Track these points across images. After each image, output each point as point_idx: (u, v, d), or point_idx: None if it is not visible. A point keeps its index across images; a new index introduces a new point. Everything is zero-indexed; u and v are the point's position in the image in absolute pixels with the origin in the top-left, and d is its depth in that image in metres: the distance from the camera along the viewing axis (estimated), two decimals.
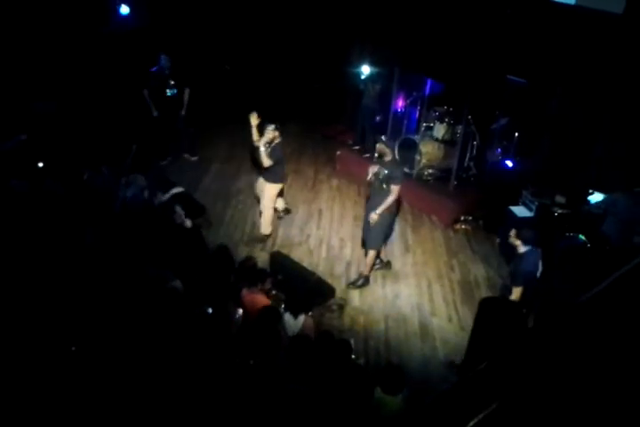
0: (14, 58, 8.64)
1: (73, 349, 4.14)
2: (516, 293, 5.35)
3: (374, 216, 6.47)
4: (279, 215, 8.11)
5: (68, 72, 9.08)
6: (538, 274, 5.57)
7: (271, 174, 7.31)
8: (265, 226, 7.60)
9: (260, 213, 7.64)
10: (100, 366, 4.07)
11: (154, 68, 8.76)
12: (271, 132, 7.02)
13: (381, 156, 6.51)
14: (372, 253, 6.82)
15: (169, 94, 8.79)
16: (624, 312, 2.11)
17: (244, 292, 5.44)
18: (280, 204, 8.02)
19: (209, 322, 4.79)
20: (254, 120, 7.13)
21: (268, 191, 7.43)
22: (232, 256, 6.28)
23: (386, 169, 6.42)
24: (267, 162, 7.08)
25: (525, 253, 5.46)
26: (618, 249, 6.29)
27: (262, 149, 7.04)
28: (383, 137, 6.61)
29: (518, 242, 5.45)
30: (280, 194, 7.80)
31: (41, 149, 7.26)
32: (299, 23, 10.50)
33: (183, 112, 9.04)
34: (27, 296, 4.55)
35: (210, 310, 5.00)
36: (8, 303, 4.46)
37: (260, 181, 7.54)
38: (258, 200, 7.81)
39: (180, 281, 5.24)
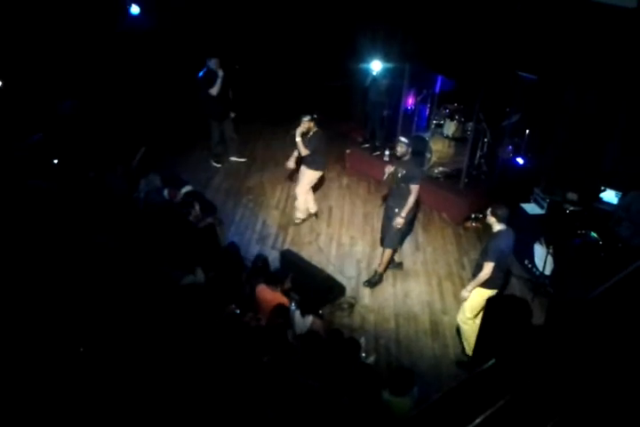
0: (27, 58, 8.73)
1: (81, 350, 4.18)
2: (487, 267, 5.43)
3: (400, 220, 6.49)
4: (307, 218, 8.14)
5: (80, 72, 9.15)
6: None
7: (312, 162, 7.63)
8: (301, 211, 7.95)
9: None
10: (116, 364, 4.11)
11: (201, 73, 8.77)
12: (306, 122, 7.36)
13: (401, 156, 6.52)
14: (388, 251, 6.82)
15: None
16: (633, 309, 2.10)
17: (263, 289, 5.47)
18: (313, 206, 8.10)
19: (236, 322, 4.84)
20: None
21: (308, 177, 7.76)
22: (240, 254, 6.30)
23: (404, 169, 6.43)
24: (304, 151, 7.45)
25: (500, 231, 5.50)
26: (630, 247, 6.23)
27: (298, 139, 7.38)
28: (403, 138, 6.60)
29: (493, 219, 5.49)
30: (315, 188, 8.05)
31: (56, 147, 7.33)
32: (308, 20, 10.50)
33: (233, 114, 9.17)
34: (36, 295, 4.59)
35: (237, 311, 5.05)
36: (19, 303, 4.50)
37: (302, 168, 7.79)
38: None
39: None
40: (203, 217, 6.52)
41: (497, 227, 5.50)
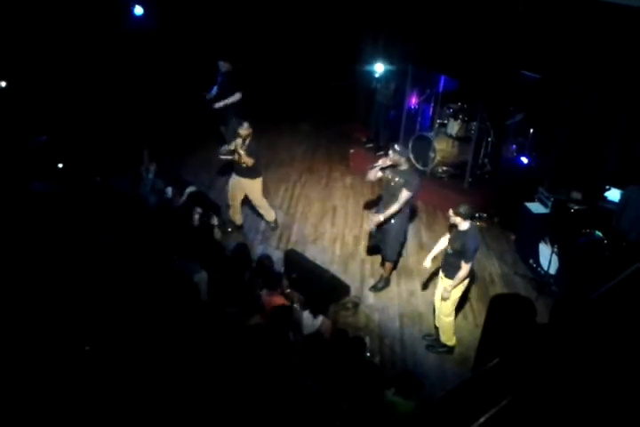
0: (32, 61, 8.76)
1: (87, 348, 4.20)
2: (465, 268, 5.51)
3: (375, 219, 6.34)
4: (229, 229, 7.64)
5: (83, 72, 9.18)
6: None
7: (252, 171, 7.26)
8: (268, 213, 7.71)
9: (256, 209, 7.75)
10: (117, 362, 4.12)
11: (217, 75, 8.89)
12: (246, 130, 6.99)
13: (396, 165, 6.27)
14: (389, 264, 6.78)
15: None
16: (635, 309, 2.09)
17: (264, 294, 5.48)
18: (238, 218, 7.72)
19: (233, 322, 4.85)
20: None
21: (254, 188, 7.42)
22: (250, 257, 6.31)
23: (402, 178, 6.23)
24: (249, 161, 7.06)
25: (468, 229, 5.54)
26: (635, 245, 6.21)
27: (241, 151, 6.99)
28: (397, 146, 6.29)
29: (458, 219, 5.50)
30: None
31: (61, 150, 7.34)
32: (311, 21, 10.51)
33: (217, 105, 8.79)
34: (39, 295, 4.62)
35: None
36: (23, 303, 4.52)
37: (240, 180, 7.33)
38: (232, 200, 7.51)
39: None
40: (207, 217, 6.52)
41: (464, 225, 5.53)
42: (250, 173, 7.26)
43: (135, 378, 4.02)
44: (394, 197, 6.28)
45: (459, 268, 5.54)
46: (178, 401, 3.86)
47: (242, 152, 6.98)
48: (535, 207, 7.43)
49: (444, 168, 8.85)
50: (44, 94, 8.51)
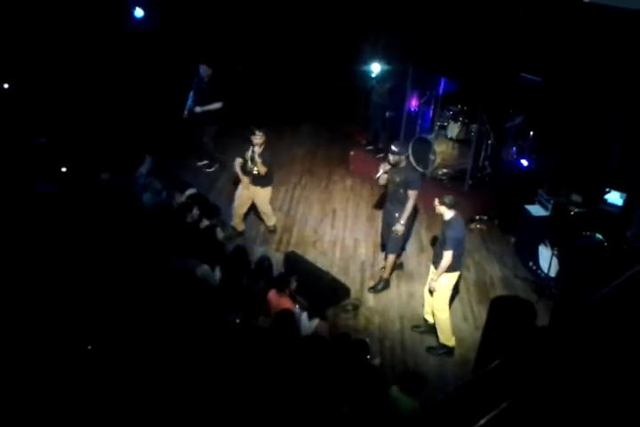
0: (32, 61, 8.78)
1: (89, 348, 4.20)
2: (447, 256, 5.58)
3: (400, 228, 6.46)
4: (231, 235, 7.48)
5: (84, 74, 9.19)
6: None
7: (263, 179, 7.18)
8: (270, 219, 7.68)
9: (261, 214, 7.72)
10: (120, 361, 4.12)
11: (195, 79, 8.75)
12: (260, 138, 6.87)
13: (396, 164, 6.43)
14: (391, 257, 6.79)
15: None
16: (636, 311, 2.09)
17: (272, 295, 5.48)
18: (241, 225, 7.64)
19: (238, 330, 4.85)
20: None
21: (265, 196, 7.36)
22: (248, 258, 6.30)
23: (402, 175, 6.38)
24: (264, 169, 7.00)
25: (452, 219, 5.64)
26: (635, 248, 6.22)
27: (259, 160, 6.89)
28: (394, 147, 6.42)
29: (443, 208, 5.61)
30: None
31: (62, 151, 7.33)
32: (311, 22, 10.53)
33: (197, 109, 8.71)
34: (42, 295, 4.62)
35: (238, 320, 5.06)
36: (26, 302, 4.53)
37: (251, 188, 7.24)
38: (238, 207, 7.43)
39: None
40: (201, 219, 6.50)
41: (448, 214, 5.64)
42: (262, 181, 7.18)
43: (136, 376, 4.02)
44: (398, 194, 6.47)
45: (441, 257, 5.62)
46: (179, 401, 3.86)
47: (258, 160, 6.88)
48: (535, 210, 7.43)
49: (444, 171, 8.85)
50: (45, 96, 8.52)
